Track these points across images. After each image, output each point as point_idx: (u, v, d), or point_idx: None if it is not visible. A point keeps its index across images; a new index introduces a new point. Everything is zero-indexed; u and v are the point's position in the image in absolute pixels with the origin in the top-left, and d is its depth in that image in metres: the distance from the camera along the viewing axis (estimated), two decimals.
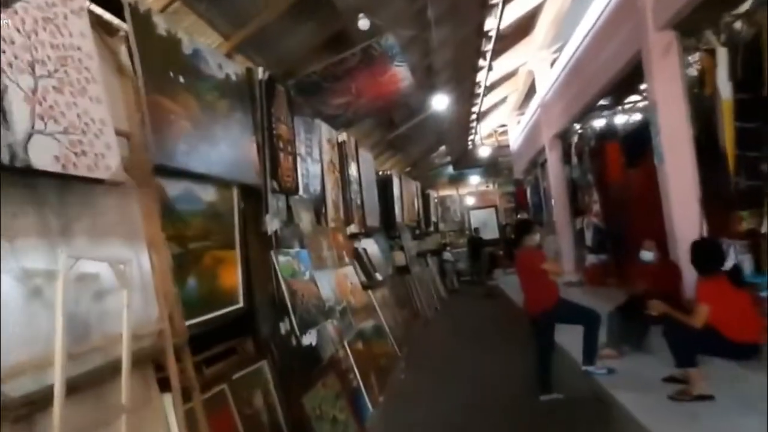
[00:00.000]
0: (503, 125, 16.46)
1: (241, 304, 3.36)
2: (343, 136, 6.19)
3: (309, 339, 3.64)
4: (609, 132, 7.39)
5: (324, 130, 5.70)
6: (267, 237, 3.79)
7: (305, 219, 4.61)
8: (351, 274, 5.63)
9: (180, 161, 2.66)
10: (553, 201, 10.00)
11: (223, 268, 3.20)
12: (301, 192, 4.71)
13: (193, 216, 2.92)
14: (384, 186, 9.32)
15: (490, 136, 16.63)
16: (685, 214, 5.09)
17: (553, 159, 10.04)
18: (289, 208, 4.33)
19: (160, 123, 2.53)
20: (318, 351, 3.71)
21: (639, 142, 6.40)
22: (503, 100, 14.54)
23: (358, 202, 6.62)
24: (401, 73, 5.94)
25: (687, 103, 5.14)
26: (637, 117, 7.45)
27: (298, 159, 4.73)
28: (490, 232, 17.15)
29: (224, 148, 3.25)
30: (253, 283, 3.43)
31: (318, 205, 5.33)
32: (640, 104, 7.63)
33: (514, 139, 15.40)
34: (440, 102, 7.16)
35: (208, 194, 3.10)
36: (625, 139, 7.00)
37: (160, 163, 2.46)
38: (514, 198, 16.40)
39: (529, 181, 14.18)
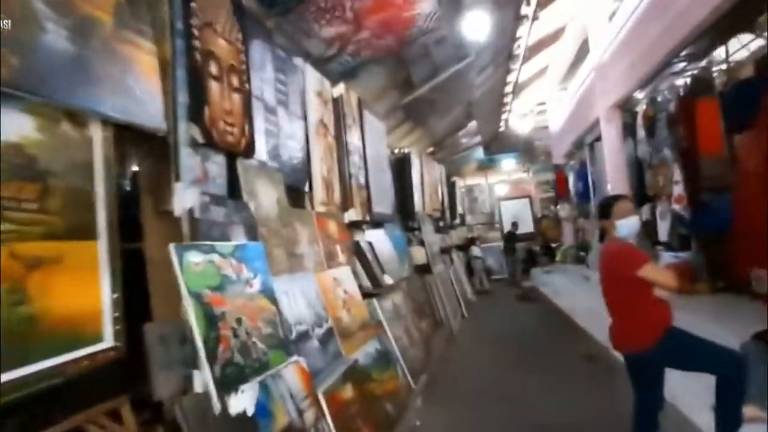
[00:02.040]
0: (541, 103, 14.55)
1: (107, 343, 1.84)
2: (340, 89, 4.56)
3: (241, 402, 2.03)
4: (700, 89, 5.56)
5: (311, 76, 4.07)
6: (178, 222, 2.21)
7: (266, 197, 3.00)
8: (346, 278, 4.01)
9: None
10: (609, 186, 8.16)
11: (68, 274, 1.66)
12: (262, 156, 3.10)
13: None
14: (401, 167, 7.67)
15: (525, 116, 14.74)
16: None
17: (610, 134, 8.20)
18: (234, 176, 2.73)
19: None
20: (258, 422, 2.10)
21: (749, 97, 4.59)
22: (543, 71, 12.65)
23: (362, 180, 4.98)
24: None
25: None
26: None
27: (258, 105, 3.11)
28: (524, 226, 15.30)
29: (83, 56, 1.70)
30: (139, 303, 1.90)
31: (297, 180, 3.71)
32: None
33: (555, 118, 13.49)
34: (474, 30, 5.37)
35: (25, 132, 1.56)
36: (729, 96, 5.17)
37: None
38: (552, 187, 14.49)
39: (571, 167, 12.29)
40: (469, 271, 11.68)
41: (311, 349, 2.95)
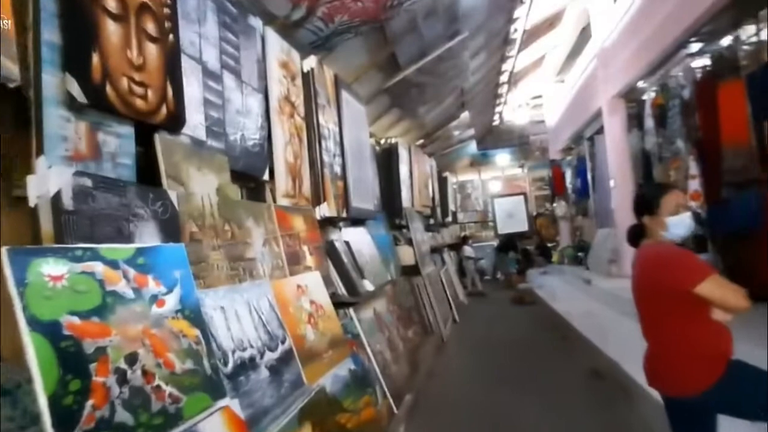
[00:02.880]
0: (537, 96, 13.92)
1: None
2: (311, 62, 3.87)
3: None
4: (723, 70, 4.92)
5: (274, 42, 3.39)
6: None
7: (201, 184, 2.31)
8: (314, 285, 3.33)
9: None
10: (611, 182, 7.55)
11: None
12: (197, 132, 2.42)
13: None
14: (387, 158, 6.99)
15: (520, 107, 14.11)
16: None
17: (613, 126, 7.57)
18: (149, 153, 2.05)
19: None
20: None
21: None
22: (539, 62, 12.02)
23: (337, 170, 4.30)
24: None
25: None
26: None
27: (193, 67, 2.42)
28: (518, 224, 14.71)
29: None
30: None
31: (252, 166, 3.03)
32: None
33: (552, 111, 12.86)
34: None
35: None
36: (757, 78, 4.52)
37: None
38: (548, 183, 13.88)
39: (568, 163, 11.68)
40: (461, 271, 11.05)
41: (257, 382, 2.27)
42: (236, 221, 2.59)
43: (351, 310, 3.87)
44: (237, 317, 2.30)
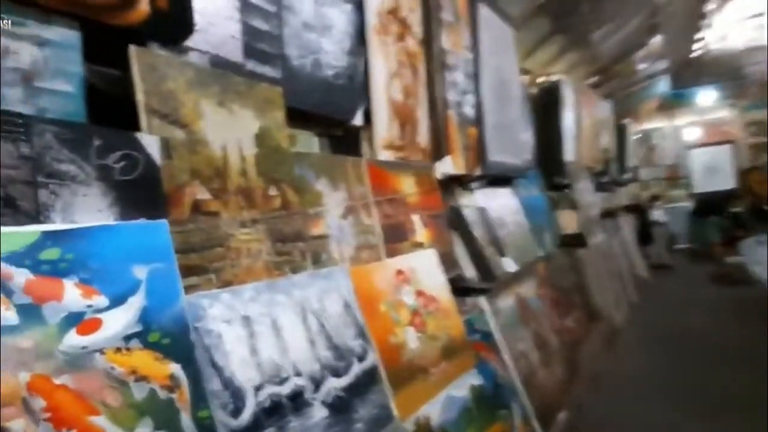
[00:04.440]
0: (757, 15, 10.65)
1: None
2: None
3: None
4: None
5: None
6: None
7: (224, 126, 1.54)
8: (424, 269, 2.42)
9: None
10: None
11: None
12: (225, 50, 1.62)
13: None
14: (546, 101, 5.62)
15: (733, 30, 10.96)
16: None
17: None
18: (126, 81, 1.31)
19: None
20: None
21: None
22: None
23: (469, 112, 3.24)
24: None
25: None
26: None
27: None
28: (721, 181, 11.84)
29: None
30: None
31: (336, 105, 2.19)
32: None
33: None
34: None
35: None
36: None
37: None
38: None
39: None
40: (643, 239, 9.12)
41: (304, 429, 1.49)
42: (292, 182, 1.79)
43: (482, 300, 2.90)
44: (275, 330, 1.52)
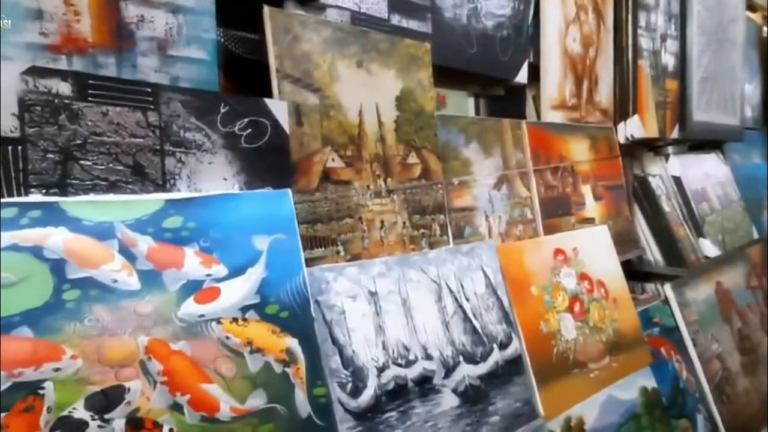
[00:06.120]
0: None
1: None
2: None
3: None
4: None
5: None
6: None
7: (363, 88, 1.43)
8: (592, 249, 2.07)
9: None
10: None
11: None
12: (370, 4, 1.51)
13: None
14: None
15: None
16: None
17: None
18: (256, 42, 1.28)
19: None
20: None
21: None
22: None
23: (668, 63, 2.64)
24: None
25: None
26: None
27: None
28: None
29: None
30: None
31: (496, 61, 1.93)
32: None
33: None
34: None
35: None
36: None
37: None
38: None
39: None
40: None
41: (429, 418, 1.38)
42: (435, 149, 1.62)
43: (667, 288, 2.42)
44: (405, 309, 1.41)
